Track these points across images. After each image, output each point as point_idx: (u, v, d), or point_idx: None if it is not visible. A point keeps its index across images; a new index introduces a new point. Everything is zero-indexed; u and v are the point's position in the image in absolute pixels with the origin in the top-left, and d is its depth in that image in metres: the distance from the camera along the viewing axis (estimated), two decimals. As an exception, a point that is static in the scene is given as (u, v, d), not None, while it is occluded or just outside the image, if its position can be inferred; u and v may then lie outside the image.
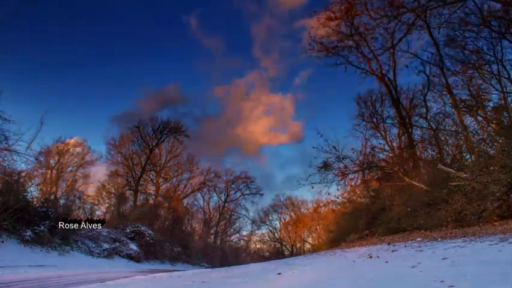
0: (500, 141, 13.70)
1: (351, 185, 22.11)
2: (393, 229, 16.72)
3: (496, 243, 7.63)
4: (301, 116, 72.13)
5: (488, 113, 17.30)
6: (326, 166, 20.15)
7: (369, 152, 21.85)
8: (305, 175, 20.81)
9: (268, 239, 48.02)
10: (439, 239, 10.99)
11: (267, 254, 45.10)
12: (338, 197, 23.75)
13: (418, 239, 12.51)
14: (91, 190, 36.48)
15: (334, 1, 20.33)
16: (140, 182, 37.11)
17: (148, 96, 54.69)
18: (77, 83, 53.42)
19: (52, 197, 28.62)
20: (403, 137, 22.80)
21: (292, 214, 47.15)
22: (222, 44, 59.64)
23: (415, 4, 16.57)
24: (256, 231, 48.17)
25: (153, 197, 38.69)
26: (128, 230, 26.22)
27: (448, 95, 19.46)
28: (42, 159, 32.02)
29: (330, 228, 28.72)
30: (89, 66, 52.01)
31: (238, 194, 46.40)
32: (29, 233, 17.12)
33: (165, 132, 38.28)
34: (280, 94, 62.04)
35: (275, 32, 51.89)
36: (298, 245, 45.25)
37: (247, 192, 46.12)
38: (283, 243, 46.83)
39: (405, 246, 11.37)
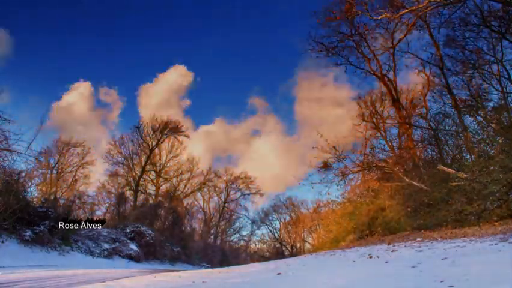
0: (500, 141, 13.67)
1: (351, 185, 22.14)
2: (393, 229, 16.72)
3: (496, 243, 7.63)
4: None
5: (488, 113, 17.25)
6: (326, 166, 20.16)
7: (369, 152, 21.89)
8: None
9: (268, 239, 48.03)
10: (439, 239, 11.00)
11: (267, 254, 45.03)
12: (338, 197, 23.81)
13: (418, 239, 12.51)
14: (91, 190, 36.44)
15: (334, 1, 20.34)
16: (140, 182, 37.12)
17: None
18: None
19: (52, 197, 28.65)
20: (403, 137, 22.80)
21: (292, 214, 47.14)
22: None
23: (415, 4, 16.54)
24: (256, 231, 48.22)
25: (153, 197, 38.71)
26: (128, 230, 26.21)
27: (448, 95, 19.43)
28: (42, 159, 32.01)
29: (330, 228, 28.65)
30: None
31: (238, 194, 46.47)
32: (29, 233, 17.11)
33: (165, 132, 38.31)
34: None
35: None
36: (298, 245, 45.18)
37: (247, 192, 46.17)
38: (283, 243, 46.78)
39: (405, 246, 11.36)
